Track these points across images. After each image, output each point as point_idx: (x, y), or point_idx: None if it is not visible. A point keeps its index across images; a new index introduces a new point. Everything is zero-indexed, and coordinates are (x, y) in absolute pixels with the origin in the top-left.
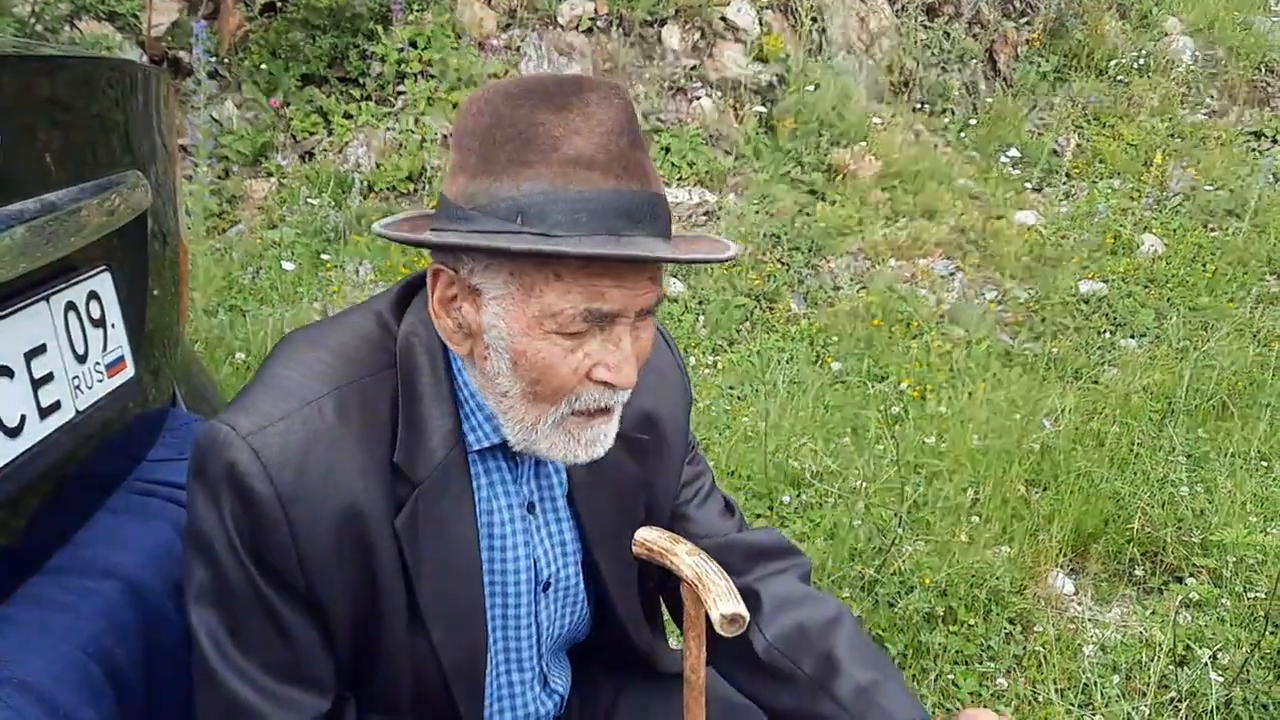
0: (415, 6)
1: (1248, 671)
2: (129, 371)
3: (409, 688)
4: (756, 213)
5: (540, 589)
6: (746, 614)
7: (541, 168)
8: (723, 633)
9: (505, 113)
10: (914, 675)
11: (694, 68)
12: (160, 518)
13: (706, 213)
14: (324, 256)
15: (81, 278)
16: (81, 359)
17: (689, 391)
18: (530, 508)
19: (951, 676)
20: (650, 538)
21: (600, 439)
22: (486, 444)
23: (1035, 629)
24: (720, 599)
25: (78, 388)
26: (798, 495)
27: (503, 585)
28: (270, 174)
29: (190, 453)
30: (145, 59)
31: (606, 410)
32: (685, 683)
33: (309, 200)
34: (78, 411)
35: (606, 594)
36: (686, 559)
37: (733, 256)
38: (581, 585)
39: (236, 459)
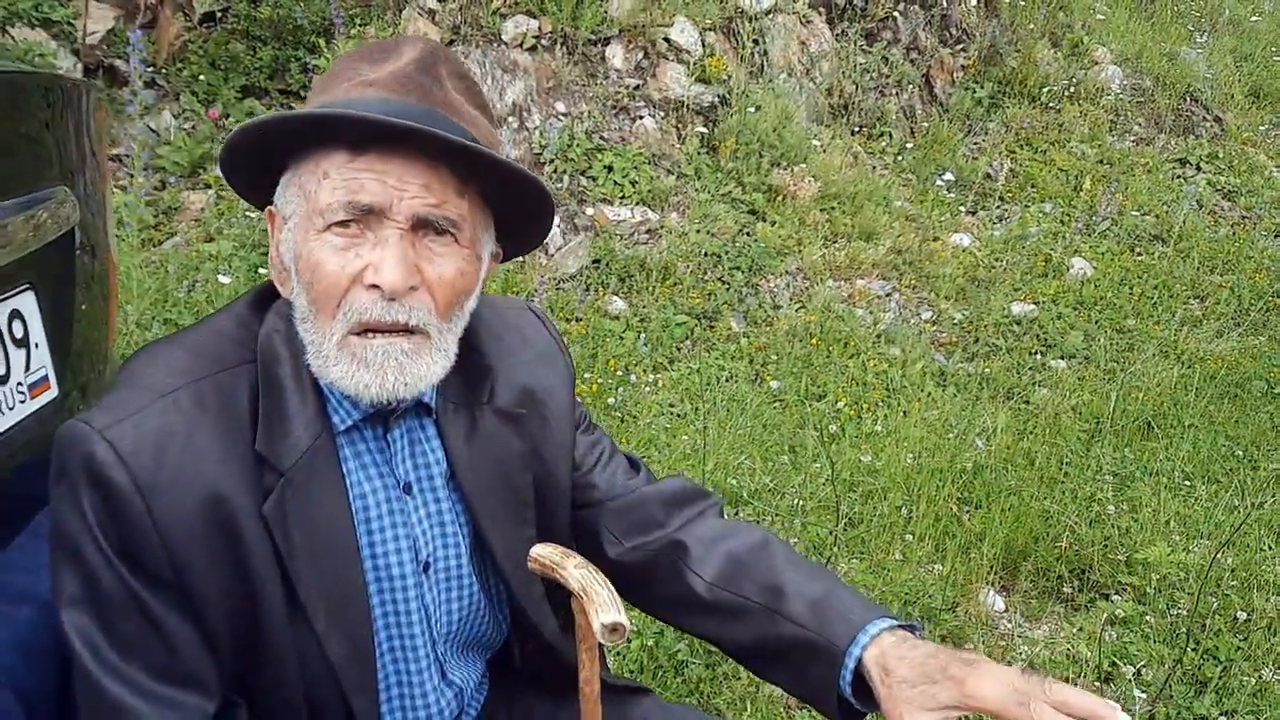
0: (358, 20)
1: (1170, 688)
2: (53, 391)
3: (299, 685)
4: (698, 232)
5: (421, 570)
6: (627, 623)
7: (335, 90)
8: (604, 642)
9: (337, 65)
10: None
11: (637, 87)
12: None
13: (648, 231)
14: (261, 270)
15: (3, 296)
16: (2, 380)
17: (570, 367)
18: (407, 488)
19: None
20: (542, 553)
21: (389, 364)
22: (350, 421)
23: (967, 646)
24: (602, 609)
25: None
26: (736, 513)
27: (386, 569)
28: (208, 186)
29: (52, 455)
30: (80, 67)
31: (386, 328)
32: (580, 694)
33: (247, 213)
34: None
35: (505, 580)
36: (574, 572)
37: (487, 154)
38: (468, 570)
39: (93, 451)
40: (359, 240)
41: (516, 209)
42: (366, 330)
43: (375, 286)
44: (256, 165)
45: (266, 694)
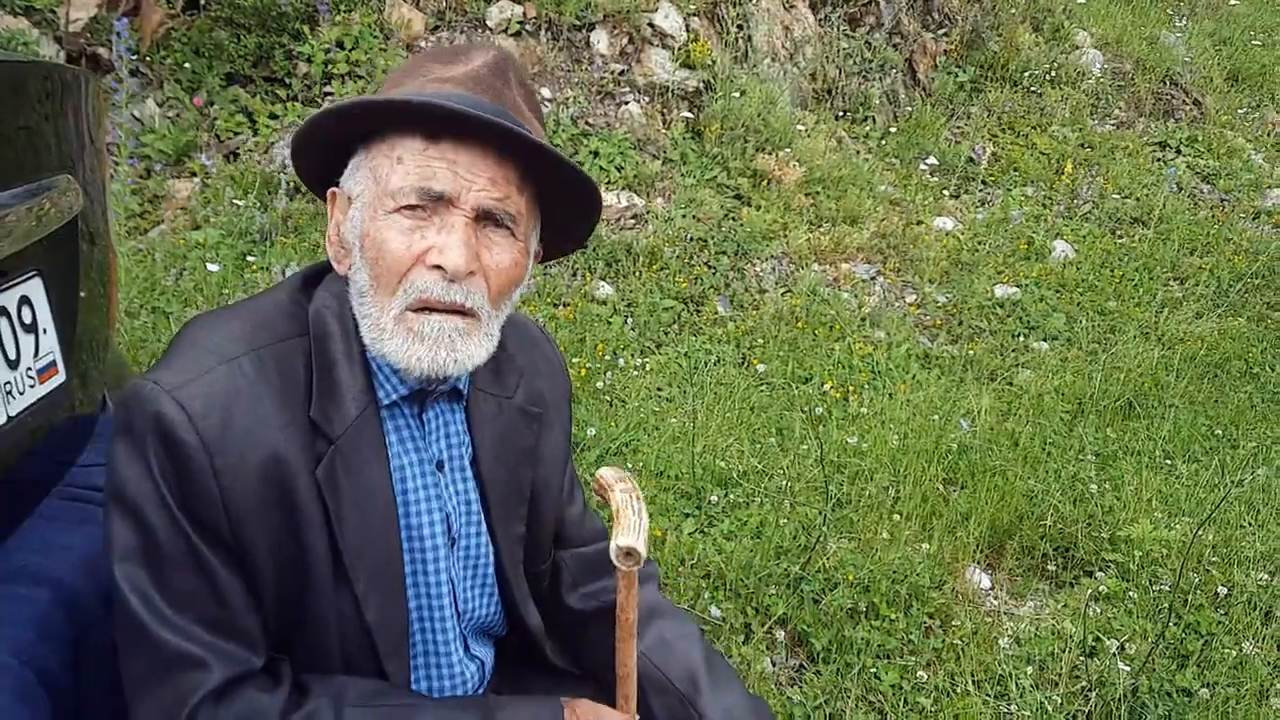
0: (343, 7)
1: (1153, 661)
2: (60, 376)
3: (337, 650)
4: (684, 217)
5: (450, 544)
6: (643, 551)
7: (409, 86)
8: (616, 563)
9: (408, 64)
10: (838, 669)
11: (622, 73)
12: (92, 523)
13: (635, 216)
14: (249, 258)
15: (13, 283)
16: (13, 364)
17: (570, 386)
18: (440, 466)
19: (874, 670)
20: (605, 473)
21: (443, 340)
22: (395, 396)
23: (953, 623)
24: (622, 532)
25: (9, 393)
26: (725, 495)
27: (419, 540)
28: (194, 174)
29: (115, 413)
30: (63, 55)
31: (443, 307)
32: (616, 622)
33: (234, 201)
34: (9, 417)
35: (502, 568)
36: (618, 494)
37: (542, 145)
38: (486, 550)
39: (162, 410)
40: (425, 223)
41: (565, 209)
42: (424, 308)
43: (438, 267)
44: (321, 147)
45: (306, 658)
